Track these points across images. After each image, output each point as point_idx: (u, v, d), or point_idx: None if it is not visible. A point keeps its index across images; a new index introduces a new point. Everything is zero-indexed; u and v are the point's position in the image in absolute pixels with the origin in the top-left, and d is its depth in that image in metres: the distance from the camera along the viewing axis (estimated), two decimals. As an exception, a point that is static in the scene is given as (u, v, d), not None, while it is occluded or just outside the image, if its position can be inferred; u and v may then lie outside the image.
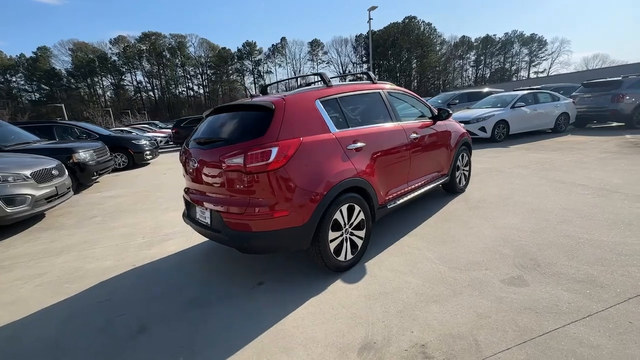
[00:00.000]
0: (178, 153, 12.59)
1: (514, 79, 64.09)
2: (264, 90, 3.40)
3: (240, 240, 2.27)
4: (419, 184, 3.48)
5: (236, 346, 1.89)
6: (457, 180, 4.31)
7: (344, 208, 2.51)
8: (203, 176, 2.50)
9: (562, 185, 4.41)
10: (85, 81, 63.38)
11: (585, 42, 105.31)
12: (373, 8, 19.67)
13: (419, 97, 3.90)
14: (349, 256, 2.63)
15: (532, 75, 63.73)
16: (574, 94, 10.70)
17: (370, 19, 20.46)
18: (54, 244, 3.82)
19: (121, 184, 7.32)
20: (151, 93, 69.85)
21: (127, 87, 68.12)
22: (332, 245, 2.47)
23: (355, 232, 2.67)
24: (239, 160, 2.18)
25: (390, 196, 3.06)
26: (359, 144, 2.67)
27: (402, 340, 1.81)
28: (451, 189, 4.34)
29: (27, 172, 4.36)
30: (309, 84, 3.75)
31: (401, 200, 3.15)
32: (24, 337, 2.16)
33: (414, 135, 3.32)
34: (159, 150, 11.92)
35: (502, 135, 8.81)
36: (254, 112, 2.49)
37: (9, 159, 4.80)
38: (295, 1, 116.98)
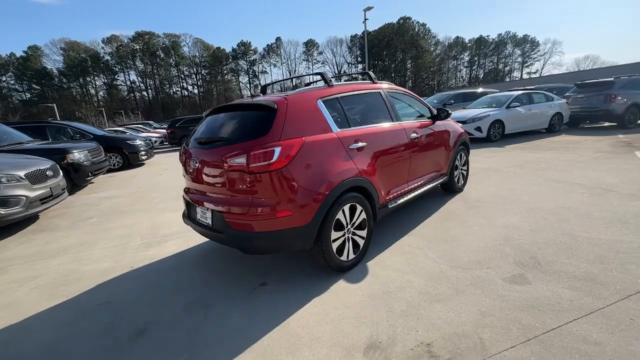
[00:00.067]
0: (173, 153, 12.52)
1: (507, 79, 64.76)
2: (263, 89, 3.38)
3: (243, 241, 2.25)
4: (419, 183, 3.49)
5: (241, 347, 1.87)
6: (456, 179, 4.33)
7: (346, 208, 2.50)
8: (204, 176, 2.48)
9: (558, 185, 4.46)
10: (77, 81, 62.46)
11: (576, 43, 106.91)
12: (369, 8, 19.72)
13: (418, 96, 3.92)
14: (351, 256, 2.62)
15: (525, 76, 64.50)
16: (567, 94, 10.85)
17: (365, 19, 20.53)
18: (49, 245, 3.75)
19: (116, 185, 7.24)
20: (145, 93, 69.19)
21: (120, 87, 67.36)
22: (335, 245, 2.47)
23: (357, 232, 2.67)
24: (241, 160, 2.16)
25: (391, 196, 3.06)
26: (361, 144, 2.67)
27: (407, 340, 1.81)
28: (450, 188, 4.36)
29: (21, 173, 4.28)
30: (308, 84, 3.74)
31: (402, 200, 3.16)
32: (21, 340, 2.11)
33: (414, 134, 3.33)
34: (154, 151, 11.79)
35: (497, 135, 8.90)
36: (255, 112, 2.47)
37: (2, 159, 4.71)
38: (291, 1, 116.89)
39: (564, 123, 10.12)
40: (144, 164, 10.35)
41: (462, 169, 4.49)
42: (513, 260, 2.58)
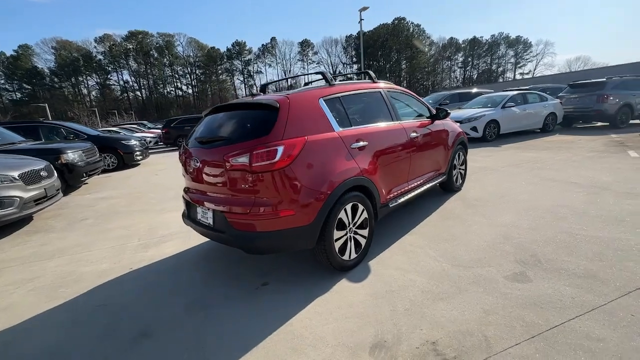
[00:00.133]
0: (168, 153, 12.43)
1: (500, 80, 65.41)
2: (263, 88, 3.37)
3: (246, 241, 2.24)
4: (419, 182, 3.50)
5: (245, 348, 1.86)
6: (454, 179, 4.36)
7: (348, 207, 2.50)
8: (205, 176, 2.46)
9: (554, 183, 4.52)
10: (69, 80, 61.54)
11: (568, 44, 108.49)
12: (364, 9, 19.78)
13: (417, 96, 3.93)
14: (353, 255, 2.62)
15: (518, 77, 65.29)
16: (560, 94, 11.00)
17: (361, 19, 20.57)
18: (45, 247, 3.69)
19: (112, 185, 7.15)
20: (138, 93, 68.39)
21: (113, 86, 66.50)
22: (337, 245, 2.46)
23: (359, 231, 2.67)
24: (244, 160, 2.15)
25: (392, 195, 3.07)
26: (362, 143, 2.67)
27: (412, 338, 1.82)
28: (448, 187, 4.38)
29: (15, 174, 4.20)
30: (307, 84, 3.73)
31: (402, 199, 3.17)
32: (21, 343, 2.07)
33: (414, 134, 3.34)
34: (149, 151, 11.67)
35: (493, 134, 8.98)
36: (257, 111, 2.45)
37: (-5, 159, 4.62)
38: (285, 1, 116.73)
39: (557, 123, 10.25)
40: (139, 164, 10.24)
41: (460, 168, 4.52)
42: (514, 258, 2.60)
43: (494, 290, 2.20)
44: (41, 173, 4.66)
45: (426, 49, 69.10)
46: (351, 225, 2.58)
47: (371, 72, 3.33)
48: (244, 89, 73.36)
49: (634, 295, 2.01)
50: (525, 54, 68.76)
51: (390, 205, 3.01)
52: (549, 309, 1.96)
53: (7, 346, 2.06)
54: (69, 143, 7.15)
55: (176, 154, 12.77)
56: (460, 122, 8.71)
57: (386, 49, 69.50)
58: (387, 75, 68.91)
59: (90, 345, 2.01)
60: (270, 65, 73.10)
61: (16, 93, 58.33)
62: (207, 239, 3.47)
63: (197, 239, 3.52)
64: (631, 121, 9.78)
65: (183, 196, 2.91)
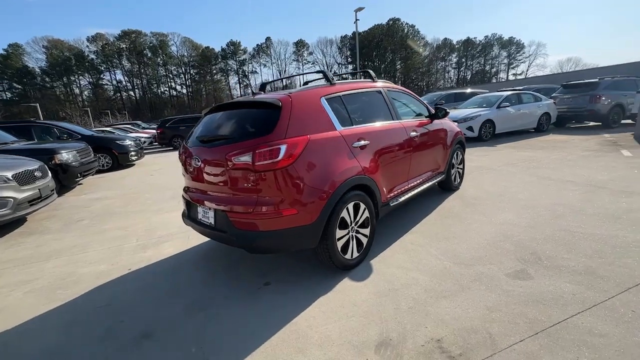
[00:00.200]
0: (163, 154, 12.31)
1: (494, 80, 66.03)
2: (262, 87, 3.35)
3: (248, 240, 2.22)
4: (419, 181, 3.52)
5: (250, 348, 1.84)
6: (453, 178, 4.39)
7: (350, 206, 2.50)
8: (207, 175, 2.43)
9: (551, 182, 4.57)
10: (61, 80, 60.59)
11: (559, 45, 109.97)
12: (360, 9, 19.82)
13: (416, 95, 3.95)
14: (355, 254, 2.62)
15: (511, 77, 65.95)
16: (554, 94, 11.13)
17: (356, 19, 20.62)
18: (41, 248, 3.63)
19: (107, 186, 7.06)
20: (132, 93, 67.61)
21: (106, 86, 65.62)
22: (339, 244, 2.46)
23: (361, 230, 2.67)
24: (246, 159, 2.14)
25: (393, 194, 3.07)
26: (363, 142, 2.67)
27: (417, 336, 1.82)
28: (447, 186, 4.41)
29: (9, 174, 4.13)
30: (306, 83, 3.72)
31: (403, 198, 3.18)
32: (20, 345, 2.04)
33: (414, 133, 3.36)
34: (144, 151, 11.55)
35: (488, 134, 9.06)
36: (259, 110, 2.44)
37: (-12, 160, 4.54)
38: (280, 1, 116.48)
39: (551, 123, 10.37)
40: (134, 164, 10.14)
41: (458, 168, 4.55)
42: (514, 256, 2.62)
43: (496, 287, 2.22)
44: (35, 173, 4.58)
45: (420, 50, 69.41)
46: (353, 224, 2.58)
47: (371, 72, 3.33)
48: (239, 89, 73.06)
49: (634, 292, 2.04)
50: (518, 55, 69.57)
51: (391, 204, 3.02)
52: (551, 305, 1.98)
53: (7, 346, 2.03)
54: (63, 143, 7.04)
55: (171, 154, 12.73)
56: (456, 121, 8.76)
57: (381, 50, 69.75)
58: (382, 76, 69.06)
59: (90, 346, 1.98)
60: (265, 66, 72.91)
61: (6, 93, 57.30)
62: (206, 239, 3.45)
63: (196, 239, 3.49)
64: (623, 121, 9.93)
65: (183, 196, 2.88)
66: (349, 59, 70.69)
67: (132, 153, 9.52)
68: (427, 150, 3.62)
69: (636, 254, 2.47)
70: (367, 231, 2.71)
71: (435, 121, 3.89)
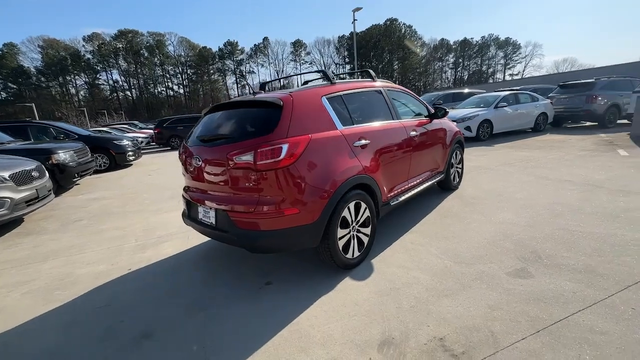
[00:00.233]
0: (161, 154, 12.24)
1: (491, 80, 66.38)
2: (262, 86, 3.34)
3: (249, 240, 2.21)
4: (418, 181, 3.52)
5: (252, 347, 1.84)
6: (452, 177, 4.40)
7: (351, 205, 2.50)
8: (208, 174, 2.42)
9: (548, 182, 4.59)
10: (56, 80, 60.15)
11: (555, 46, 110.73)
12: (358, 9, 19.85)
13: (415, 95, 3.96)
14: (356, 253, 2.62)
15: (508, 78, 66.29)
16: (551, 94, 11.20)
17: (354, 19, 20.64)
18: (38, 249, 3.60)
19: (104, 186, 7.01)
20: (128, 93, 67.26)
21: (102, 86, 65.25)
22: (341, 243, 2.46)
23: (362, 230, 2.67)
24: (248, 158, 2.13)
25: (393, 193, 3.08)
26: (364, 141, 2.67)
27: (419, 335, 1.82)
28: (446, 186, 4.42)
29: (6, 174, 4.09)
30: (305, 83, 3.72)
31: (403, 197, 3.18)
32: (21, 345, 2.02)
33: (414, 133, 3.36)
34: (141, 151, 11.49)
35: (486, 134, 9.10)
36: (260, 109, 2.43)
37: (-16, 160, 4.49)
38: (278, 1, 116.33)
39: (548, 123, 10.44)
40: (131, 164, 10.08)
41: (457, 167, 4.56)
42: (514, 254, 2.63)
43: (497, 286, 2.22)
44: (32, 173, 4.54)
45: (417, 50, 69.58)
46: (354, 224, 2.58)
47: (371, 71, 3.34)
48: (236, 89, 72.93)
49: (633, 289, 2.06)
50: (514, 55, 70.02)
51: (392, 204, 3.02)
52: (552, 303, 1.99)
53: (7, 347, 2.01)
54: (60, 143, 6.99)
55: (169, 154, 12.68)
56: (455, 121, 8.73)
57: (378, 50, 69.89)
58: (380, 76, 68.64)
59: (90, 347, 1.96)
60: (262, 66, 72.85)
61: (1, 93, 56.83)
62: (206, 239, 3.43)
63: (196, 239, 3.47)
64: (619, 121, 10.02)
65: (183, 195, 2.87)
66: (347, 59, 70.77)
67: (130, 153, 9.46)
68: (426, 150, 3.63)
69: (635, 252, 2.49)
70: (368, 230, 2.71)
71: (435, 121, 3.90)
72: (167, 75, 69.06)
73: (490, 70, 73.44)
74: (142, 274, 2.87)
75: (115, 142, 9.33)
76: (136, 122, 25.53)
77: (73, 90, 63.31)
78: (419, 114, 3.80)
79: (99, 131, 13.78)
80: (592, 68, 25.14)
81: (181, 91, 71.37)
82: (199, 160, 2.44)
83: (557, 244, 2.73)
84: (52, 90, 60.18)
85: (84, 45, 61.54)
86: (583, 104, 9.87)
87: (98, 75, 63.76)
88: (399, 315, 2.01)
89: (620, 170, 4.88)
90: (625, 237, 2.74)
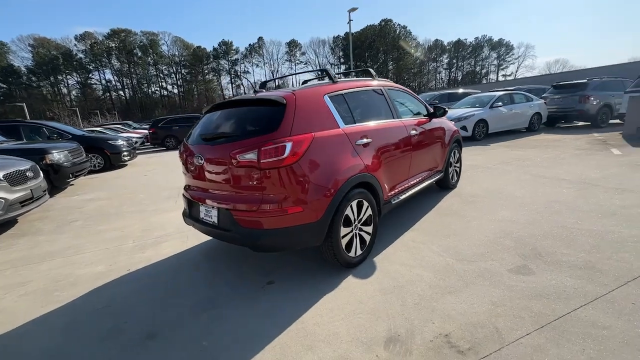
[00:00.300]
0: (156, 154, 12.11)
1: (484, 81, 67.00)
2: (263, 85, 3.33)
3: (253, 238, 2.20)
4: (419, 179, 3.54)
5: (258, 346, 1.83)
6: (450, 176, 4.43)
7: (354, 204, 2.50)
8: (210, 173, 2.41)
9: (545, 180, 4.65)
10: (47, 79, 59.17)
11: (547, 47, 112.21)
12: (353, 9, 19.90)
13: (415, 94, 3.98)
14: (359, 252, 2.62)
15: (501, 78, 66.89)
16: (544, 94, 11.34)
17: (350, 20, 20.69)
18: (34, 250, 3.54)
19: (99, 187, 6.93)
20: (121, 92, 66.42)
21: (95, 86, 64.35)
22: (344, 242, 2.46)
23: (364, 228, 2.67)
24: (251, 156, 2.12)
25: (394, 192, 3.09)
26: (366, 140, 2.67)
27: (425, 332, 1.83)
28: (444, 185, 4.45)
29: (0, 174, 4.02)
30: (305, 82, 3.71)
31: (404, 196, 3.19)
32: (20, 347, 1.98)
33: (414, 132, 3.38)
34: (136, 152, 11.37)
35: (482, 134, 9.18)
36: (263, 107, 2.42)
37: (-23, 160, 4.41)
38: (273, 1, 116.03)
39: (542, 122, 10.57)
40: (126, 165, 9.98)
41: (455, 166, 4.60)
42: (515, 252, 2.66)
43: (499, 283, 2.24)
44: (27, 174, 4.47)
45: (412, 51, 69.97)
46: (356, 222, 2.58)
47: (371, 70, 3.34)
48: (231, 89, 72.50)
49: (633, 285, 2.09)
50: (507, 56, 70.70)
51: (393, 202, 3.03)
52: (554, 299, 2.01)
53: (6, 348, 1.97)
54: (54, 143, 6.89)
55: (165, 154, 12.58)
56: (450, 121, 8.86)
57: (373, 50, 70.10)
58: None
59: (94, 348, 1.94)
60: (257, 66, 72.46)
61: (-10, 92, 55.75)
62: (206, 239, 3.41)
63: (195, 239, 3.45)
64: (611, 121, 10.18)
65: (184, 194, 2.84)
66: (342, 59, 70.81)
67: (125, 153, 9.37)
68: (426, 149, 3.65)
69: (633, 248, 2.53)
70: (370, 229, 2.72)
71: (434, 120, 3.92)
72: (161, 75, 68.40)
73: (484, 71, 74.16)
74: (142, 275, 2.84)
75: (110, 142, 9.22)
76: (130, 122, 25.25)
77: (65, 90, 62.42)
78: (418, 113, 3.82)
79: (93, 131, 13.58)
80: (583, 69, 25.50)
81: (175, 91, 70.75)
82: (201, 159, 2.42)
83: (557, 241, 2.76)
84: (43, 90, 59.20)
85: (75, 45, 60.68)
86: (576, 104, 10.01)
87: (90, 75, 62.86)
88: (403, 312, 2.02)
89: (614, 168, 4.96)
90: (623, 234, 2.78)
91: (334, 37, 71.41)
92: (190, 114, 18.88)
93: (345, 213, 2.42)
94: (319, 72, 3.90)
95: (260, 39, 71.03)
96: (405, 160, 3.23)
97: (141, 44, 64.43)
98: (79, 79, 62.14)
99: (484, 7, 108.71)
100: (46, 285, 2.74)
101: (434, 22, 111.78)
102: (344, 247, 2.46)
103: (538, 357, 1.59)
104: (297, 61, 73.08)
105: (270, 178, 2.14)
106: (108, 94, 65.08)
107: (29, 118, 26.75)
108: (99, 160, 8.93)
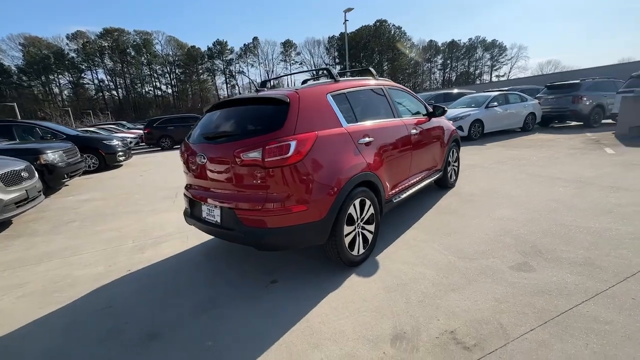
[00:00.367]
0: (151, 154, 11.98)
1: (478, 82, 67.63)
2: (263, 84, 3.32)
3: (257, 237, 2.20)
4: (418, 178, 3.56)
5: (264, 345, 1.82)
6: (449, 175, 4.46)
7: (357, 202, 2.51)
8: (213, 172, 2.40)
9: (542, 179, 4.71)
10: (39, 79, 58.23)
11: (540, 48, 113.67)
12: (349, 10, 19.94)
13: (414, 94, 4.00)
14: (362, 250, 2.63)
15: (494, 79, 67.56)
16: (538, 95, 11.49)
17: (346, 20, 20.72)
18: (30, 251, 3.49)
19: (95, 187, 6.84)
20: (114, 92, 65.63)
21: (87, 85, 63.53)
22: (347, 240, 2.46)
23: (367, 227, 2.68)
24: (256, 155, 2.11)
25: (395, 190, 3.10)
26: (368, 139, 2.68)
27: (430, 329, 1.84)
28: (443, 184, 4.48)
29: (-6, 174, 3.95)
30: (304, 82, 3.71)
31: (404, 195, 3.21)
32: (21, 348, 1.95)
33: (414, 131, 3.40)
34: (132, 152, 11.25)
35: (477, 133, 9.27)
36: (266, 106, 2.42)
37: (-30, 160, 4.33)
38: (268, 1, 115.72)
39: (536, 122, 10.70)
40: (121, 165, 9.87)
41: (453, 165, 4.63)
42: (515, 249, 2.69)
43: (501, 280, 2.27)
44: (22, 174, 4.40)
45: (407, 51, 70.34)
46: (359, 221, 2.59)
47: (372, 69, 3.36)
48: (225, 89, 72.11)
49: (632, 281, 2.13)
50: (500, 57, 71.43)
51: (394, 201, 3.05)
52: (556, 295, 2.04)
53: (7, 349, 1.94)
54: (48, 143, 6.79)
55: (160, 154, 12.48)
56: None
57: (368, 51, 70.31)
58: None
59: (97, 349, 1.91)
60: (252, 66, 72.18)
61: (-20, 92, 54.70)
62: (206, 239, 3.40)
63: (196, 238, 3.43)
64: (603, 121, 10.35)
65: (185, 194, 2.82)
66: (337, 60, 70.89)
67: (120, 153, 9.26)
68: (426, 148, 3.68)
69: (630, 245, 2.58)
70: (372, 227, 2.73)
71: (433, 119, 3.95)
72: (155, 75, 67.72)
73: (477, 71, 74.81)
74: (142, 275, 2.81)
75: (105, 142, 9.10)
76: (124, 122, 24.99)
77: (56, 90, 61.49)
78: (417, 113, 3.84)
79: (87, 131, 13.41)
80: (574, 70, 25.89)
81: (169, 91, 70.13)
82: (204, 158, 2.40)
83: (556, 239, 2.80)
84: (34, 90, 58.24)
85: (67, 44, 59.82)
86: (569, 104, 10.15)
87: (83, 75, 61.99)
88: (408, 310, 2.03)
89: (608, 167, 5.04)
90: (620, 231, 2.83)
91: (329, 37, 71.50)
92: (186, 114, 18.76)
93: (349, 212, 2.43)
94: (314, 73, 3.92)
95: (255, 39, 70.80)
96: (405, 159, 3.25)
97: (134, 43, 63.78)
98: (71, 79, 61.26)
99: (480, 8, 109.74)
100: (44, 286, 2.70)
101: (429, 23, 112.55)
102: (347, 245, 2.46)
103: (543, 352, 1.61)
104: (292, 61, 73.01)
105: (275, 177, 2.14)
106: (101, 94, 64.28)
107: (19, 118, 26.31)
108: (93, 161, 8.81)
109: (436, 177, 4.05)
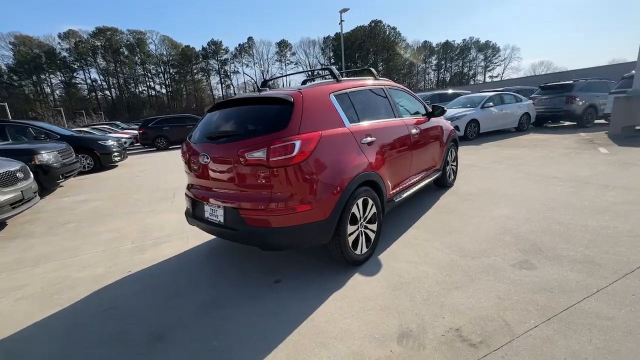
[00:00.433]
0: (146, 154, 11.87)
1: (472, 82, 68.21)
2: (264, 84, 3.31)
3: (261, 237, 2.19)
4: (419, 178, 3.59)
5: (271, 345, 1.82)
6: (447, 175, 4.50)
7: (360, 202, 2.52)
8: (216, 172, 2.39)
9: (538, 178, 4.77)
10: (30, 79, 57.40)
11: (532, 49, 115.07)
12: (345, 10, 19.99)
13: (414, 94, 4.03)
14: (365, 249, 2.64)
15: (488, 80, 68.25)
16: (532, 95, 11.63)
17: (342, 20, 20.77)
18: (28, 253, 3.44)
19: (91, 188, 6.76)
20: (107, 92, 64.94)
21: (79, 85, 62.74)
22: (350, 239, 2.47)
23: (369, 226, 2.69)
24: (260, 154, 2.11)
25: (397, 189, 3.12)
26: (370, 139, 2.69)
27: (436, 327, 1.86)
28: (442, 183, 4.52)
29: (-11, 175, 3.89)
30: (304, 82, 3.71)
31: (405, 194, 3.23)
32: (23, 351, 1.92)
33: (414, 130, 3.42)
34: (127, 152, 11.14)
35: (473, 133, 9.35)
36: (270, 106, 2.42)
37: (-37, 160, 4.25)
38: (263, 1, 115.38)
39: (530, 122, 10.83)
40: (117, 165, 9.77)
41: (452, 165, 4.67)
42: (516, 247, 2.72)
43: (503, 277, 2.29)
44: (17, 174, 4.34)
45: (402, 52, 70.70)
46: (362, 220, 2.60)
47: (373, 70, 3.37)
48: (220, 89, 71.73)
49: (631, 277, 2.17)
50: (494, 58, 72.18)
51: (396, 200, 3.06)
52: (558, 292, 2.07)
53: (10, 352, 1.91)
54: (43, 143, 6.70)
55: (156, 154, 12.39)
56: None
57: (363, 51, 70.51)
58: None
59: (102, 350, 1.90)
60: (247, 66, 71.92)
61: (-31, 91, 53.71)
62: (206, 239, 3.38)
63: (197, 239, 3.41)
64: (596, 121, 10.51)
65: (186, 194, 2.81)
66: (332, 60, 70.96)
67: (115, 154, 9.17)
68: (426, 148, 3.70)
69: (628, 242, 2.62)
70: (374, 227, 2.74)
71: (432, 119, 3.98)
72: (149, 75, 67.10)
73: (471, 72, 75.48)
74: (143, 276, 2.79)
75: (100, 142, 9.01)
76: (118, 122, 24.74)
77: (48, 90, 60.61)
78: (417, 112, 3.87)
79: (81, 131, 13.24)
80: (566, 70, 26.27)
81: (163, 91, 69.56)
82: (207, 158, 2.39)
83: (555, 237, 2.84)
84: (25, 89, 57.31)
85: (59, 43, 59.00)
86: (563, 105, 10.29)
87: (75, 74, 61.19)
88: (413, 308, 2.04)
89: (603, 166, 5.13)
90: (618, 229, 2.88)
91: (324, 37, 71.54)
92: (182, 114, 18.63)
93: (352, 211, 2.43)
94: (310, 73, 3.93)
95: (250, 39, 70.54)
96: (406, 158, 3.27)
97: (128, 42, 63.16)
98: (63, 78, 60.44)
99: (478, 8, 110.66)
100: (44, 288, 2.67)
101: (427, 24, 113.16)
102: (350, 244, 2.47)
103: (548, 348, 1.63)
104: (288, 61, 72.90)
105: (279, 176, 2.14)
106: (93, 94, 63.51)
107: (10, 118, 25.88)
108: (88, 161, 8.71)
109: (435, 176, 4.08)
